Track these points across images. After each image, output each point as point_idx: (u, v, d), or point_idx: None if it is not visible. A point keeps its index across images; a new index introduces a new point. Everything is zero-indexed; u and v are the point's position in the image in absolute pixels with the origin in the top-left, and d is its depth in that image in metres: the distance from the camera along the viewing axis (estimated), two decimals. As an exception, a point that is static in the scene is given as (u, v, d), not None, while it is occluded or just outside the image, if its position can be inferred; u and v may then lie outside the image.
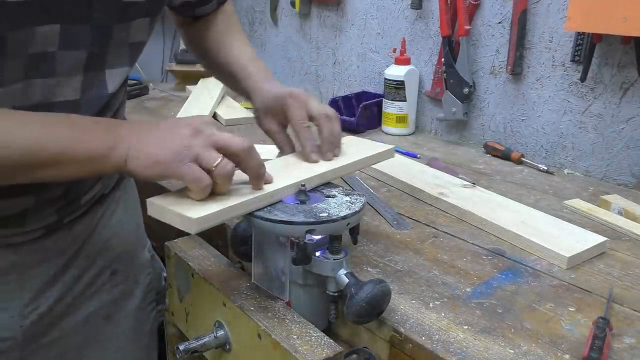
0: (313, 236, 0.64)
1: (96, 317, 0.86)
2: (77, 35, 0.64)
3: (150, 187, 1.15)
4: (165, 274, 0.95)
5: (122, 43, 0.70)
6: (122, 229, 0.88)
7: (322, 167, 0.75)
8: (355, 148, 0.83)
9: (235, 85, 0.90)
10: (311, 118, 0.78)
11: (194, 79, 1.85)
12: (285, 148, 0.82)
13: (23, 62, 0.61)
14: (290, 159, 0.79)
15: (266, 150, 1.22)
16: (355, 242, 0.72)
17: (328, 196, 0.70)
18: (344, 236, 0.67)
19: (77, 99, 0.68)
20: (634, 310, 0.69)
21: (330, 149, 0.78)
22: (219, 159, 0.60)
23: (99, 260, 0.84)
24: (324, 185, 0.74)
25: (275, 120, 0.82)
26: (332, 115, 0.78)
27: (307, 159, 0.77)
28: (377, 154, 0.83)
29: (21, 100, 0.63)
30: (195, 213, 0.59)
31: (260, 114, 0.83)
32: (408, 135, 1.44)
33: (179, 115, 1.51)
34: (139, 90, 1.82)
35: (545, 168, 1.17)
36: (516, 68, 1.22)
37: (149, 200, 0.62)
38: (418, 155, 1.26)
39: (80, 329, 0.84)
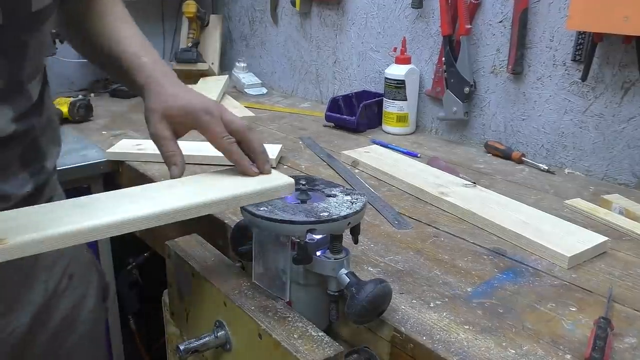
0: (314, 235, 0.64)
1: (61, 327, 0.83)
2: None
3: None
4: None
5: (38, 53, 0.65)
6: None
7: (205, 196, 0.63)
8: (247, 179, 0.70)
9: (123, 75, 0.78)
10: (230, 132, 0.70)
11: (194, 78, 1.85)
12: (175, 159, 0.71)
13: None
14: (188, 180, 0.69)
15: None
16: (356, 241, 0.72)
17: (329, 195, 0.70)
18: (345, 236, 0.67)
19: (14, 131, 0.65)
20: (635, 310, 0.69)
21: (266, 160, 0.71)
22: None
23: (57, 268, 0.81)
24: (324, 185, 0.74)
25: (170, 127, 0.72)
26: (251, 127, 0.72)
27: (246, 173, 0.69)
28: (272, 188, 0.67)
29: None
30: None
31: (154, 116, 0.72)
32: (408, 134, 1.44)
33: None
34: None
35: (546, 167, 1.17)
36: (517, 67, 1.22)
37: None
38: (419, 155, 1.25)
39: (51, 343, 0.81)
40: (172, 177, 0.70)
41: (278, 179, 0.69)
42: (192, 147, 1.24)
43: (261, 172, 0.70)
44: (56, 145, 0.79)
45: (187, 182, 0.68)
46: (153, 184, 0.68)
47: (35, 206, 0.58)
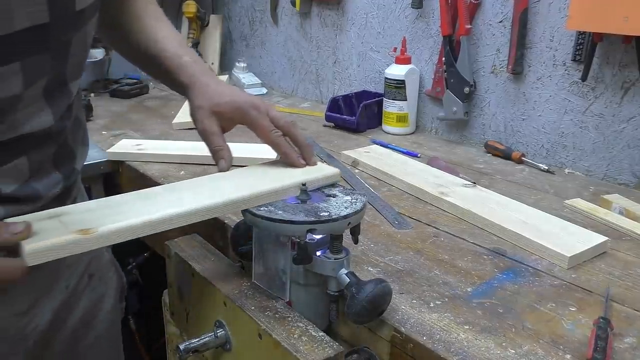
0: (314, 235, 0.64)
1: (79, 326, 0.83)
2: (39, 67, 0.59)
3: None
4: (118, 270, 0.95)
5: (81, 52, 0.67)
6: None
7: (255, 188, 0.66)
8: (295, 171, 0.73)
9: (163, 75, 0.80)
10: (276, 127, 0.73)
11: (194, 78, 1.84)
12: (223, 154, 0.73)
13: None
14: (235, 173, 0.72)
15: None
16: (356, 241, 0.72)
17: (329, 195, 0.70)
18: (345, 236, 0.67)
19: (49, 127, 0.66)
20: (635, 310, 0.69)
21: (312, 153, 0.74)
22: None
23: (79, 267, 0.82)
24: (324, 185, 0.74)
25: (218, 123, 0.75)
26: (295, 122, 0.75)
27: (294, 164, 0.73)
28: (321, 177, 0.72)
29: None
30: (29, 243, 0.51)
31: (202, 112, 0.75)
32: (408, 134, 1.44)
33: (179, 114, 1.51)
34: (139, 89, 1.82)
35: (546, 167, 1.17)
36: (517, 67, 1.22)
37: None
38: (418, 155, 1.25)
39: (65, 343, 0.81)
40: (220, 170, 0.72)
41: (325, 169, 0.74)
42: (191, 147, 1.24)
43: (307, 164, 0.73)
44: (84, 145, 0.79)
45: (234, 176, 0.71)
46: (198, 178, 0.70)
47: (105, 198, 0.62)
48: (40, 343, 0.76)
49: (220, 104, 0.74)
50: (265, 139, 0.74)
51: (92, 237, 0.53)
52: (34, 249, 0.50)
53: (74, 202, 0.80)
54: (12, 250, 0.51)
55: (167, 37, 0.81)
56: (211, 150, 0.74)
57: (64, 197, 0.75)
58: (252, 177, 0.70)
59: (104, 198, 0.62)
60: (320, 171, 0.73)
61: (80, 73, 0.70)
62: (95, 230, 0.53)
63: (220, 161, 0.73)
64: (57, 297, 0.78)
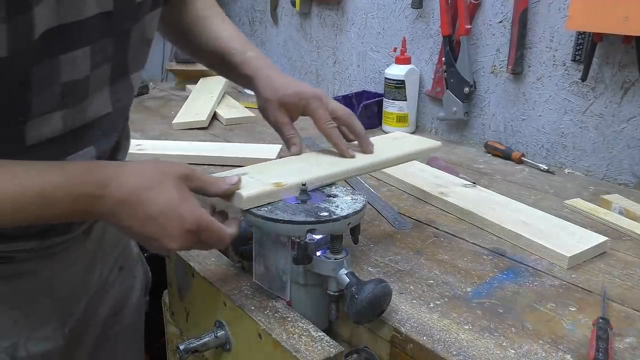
0: (314, 236, 0.64)
1: (108, 316, 0.87)
2: (104, 51, 0.64)
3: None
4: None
5: (139, 43, 0.70)
6: None
7: (382, 156, 0.81)
8: (400, 142, 0.88)
9: (228, 68, 0.87)
10: (335, 118, 0.80)
11: (194, 78, 1.85)
12: (295, 140, 0.81)
13: (55, 93, 0.60)
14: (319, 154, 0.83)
15: (268, 149, 1.22)
16: (356, 241, 0.72)
17: (329, 196, 0.70)
18: (345, 236, 0.67)
19: (109, 112, 0.69)
20: (635, 310, 0.69)
21: (369, 143, 0.81)
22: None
23: (111, 258, 0.85)
24: (324, 185, 0.74)
25: (287, 113, 0.81)
26: (353, 114, 0.83)
27: (343, 154, 0.79)
28: (421, 150, 0.86)
29: (55, 129, 0.62)
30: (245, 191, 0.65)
31: (270, 104, 0.81)
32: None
33: (179, 114, 1.51)
34: (139, 89, 1.82)
35: (546, 167, 1.17)
36: (517, 67, 1.22)
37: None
38: (418, 155, 1.25)
39: (97, 329, 0.84)
40: (292, 154, 0.80)
41: (427, 141, 0.90)
42: (191, 147, 1.24)
43: (364, 152, 0.81)
44: (128, 139, 0.82)
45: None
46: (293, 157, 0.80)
47: (259, 164, 0.75)
48: (77, 329, 0.79)
49: (286, 96, 0.80)
50: (320, 127, 0.80)
51: (283, 188, 0.67)
52: (250, 195, 0.64)
53: None
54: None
55: (232, 35, 0.88)
56: (284, 138, 0.82)
57: None
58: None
59: (259, 164, 0.75)
60: (425, 144, 0.88)
61: (140, 66, 0.74)
62: (286, 183, 0.67)
63: (292, 147, 0.80)
64: (92, 286, 0.81)
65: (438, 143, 0.89)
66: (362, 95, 1.55)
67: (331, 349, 0.58)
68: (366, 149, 0.81)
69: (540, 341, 0.62)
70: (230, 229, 0.63)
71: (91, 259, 0.80)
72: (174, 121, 1.46)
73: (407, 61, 1.40)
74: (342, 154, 0.79)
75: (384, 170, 1.11)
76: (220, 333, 0.68)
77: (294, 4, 1.76)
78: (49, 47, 0.56)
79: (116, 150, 0.76)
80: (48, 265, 0.73)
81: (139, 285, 0.94)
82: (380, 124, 1.47)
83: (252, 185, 0.66)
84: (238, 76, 0.86)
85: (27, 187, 0.54)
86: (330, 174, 0.73)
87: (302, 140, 0.82)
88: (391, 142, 0.88)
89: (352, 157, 0.79)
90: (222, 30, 0.89)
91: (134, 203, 0.57)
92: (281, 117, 0.81)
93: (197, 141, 1.31)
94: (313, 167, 0.74)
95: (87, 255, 0.80)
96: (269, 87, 0.82)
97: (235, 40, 0.87)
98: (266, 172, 0.71)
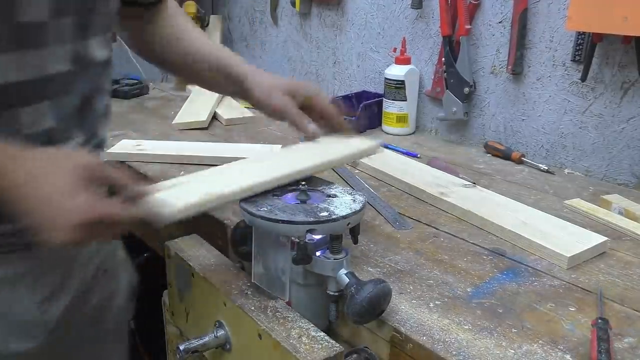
0: (313, 236, 0.64)
1: (88, 320, 0.85)
2: (66, 1, 0.63)
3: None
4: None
5: (104, 11, 0.70)
6: None
7: (311, 161, 0.75)
8: (341, 144, 0.83)
9: (216, 73, 0.88)
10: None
11: (194, 78, 1.84)
12: (303, 121, 0.81)
13: (10, 30, 0.59)
14: (297, 147, 0.83)
15: (269, 149, 1.22)
16: (355, 241, 0.72)
17: (329, 195, 0.70)
18: (345, 236, 0.67)
19: (67, 70, 0.68)
20: (635, 310, 0.69)
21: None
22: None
23: (95, 261, 0.85)
24: (324, 185, 0.74)
25: (292, 100, 0.81)
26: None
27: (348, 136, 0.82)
28: (362, 150, 0.83)
29: (16, 75, 0.62)
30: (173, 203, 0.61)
31: (272, 92, 0.82)
32: (408, 134, 1.44)
33: (179, 114, 1.51)
34: (139, 89, 1.82)
35: (546, 168, 1.17)
36: (517, 68, 1.22)
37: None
38: (418, 155, 1.25)
39: (79, 332, 0.84)
40: (310, 133, 0.81)
41: (366, 143, 0.84)
42: (191, 147, 1.24)
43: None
44: (109, 118, 0.82)
45: (283, 154, 0.83)
46: (247, 159, 0.81)
47: (198, 173, 0.73)
48: (58, 331, 0.79)
49: (285, 84, 0.83)
50: (327, 111, 0.83)
51: (217, 197, 0.64)
52: (184, 205, 0.61)
53: None
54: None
55: (216, 45, 0.93)
56: (296, 120, 0.81)
57: None
58: (304, 154, 0.79)
59: (197, 173, 0.74)
60: (361, 145, 0.83)
61: (104, 31, 0.73)
62: (217, 193, 0.65)
63: (309, 125, 0.81)
64: (74, 287, 0.81)
65: (379, 142, 0.86)
66: (362, 95, 1.55)
67: (331, 349, 0.58)
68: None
69: (540, 341, 0.62)
70: (131, 212, 0.57)
71: (72, 260, 0.80)
72: (174, 121, 1.46)
73: (407, 61, 1.40)
74: (348, 135, 0.83)
75: (383, 170, 1.11)
76: (220, 333, 0.69)
77: (294, 4, 1.76)
78: None
79: (86, 120, 0.75)
80: (30, 265, 0.73)
81: (123, 290, 0.93)
82: (380, 124, 1.47)
83: (186, 195, 0.63)
84: (227, 78, 0.87)
85: None
86: (269, 179, 0.70)
87: (308, 121, 0.82)
88: (330, 144, 0.84)
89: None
90: (204, 40, 0.91)
91: (25, 189, 0.55)
92: (283, 100, 0.81)
93: (197, 141, 1.31)
94: (250, 173, 0.72)
95: (68, 257, 0.79)
96: (266, 79, 0.83)
97: (220, 49, 0.90)
98: (200, 181, 0.70)
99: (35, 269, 0.74)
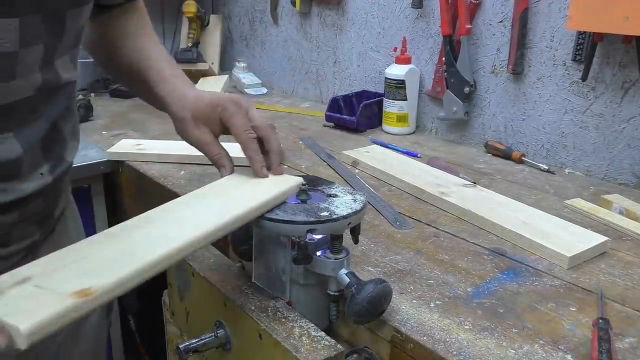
0: (314, 235, 0.64)
1: (66, 340, 0.82)
2: (35, 29, 0.59)
3: (131, 189, 1.15)
4: None
5: (72, 31, 0.65)
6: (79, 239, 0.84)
7: (233, 210, 0.60)
8: (259, 183, 0.69)
9: (146, 90, 0.80)
10: (253, 128, 0.70)
11: (194, 78, 1.84)
12: (223, 161, 0.71)
13: None
14: (199, 192, 0.66)
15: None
16: (356, 241, 0.72)
17: (329, 195, 0.69)
18: (345, 236, 0.67)
19: (31, 96, 0.63)
20: (635, 310, 0.69)
21: (279, 163, 0.71)
22: None
23: None
24: (324, 185, 0.74)
25: (208, 130, 0.72)
26: (273, 126, 0.73)
27: (257, 173, 0.69)
28: (285, 191, 0.67)
29: None
30: (23, 319, 0.39)
31: (186, 123, 0.73)
32: (409, 134, 1.44)
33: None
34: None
35: (546, 167, 1.17)
36: (517, 67, 1.22)
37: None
38: (419, 155, 1.25)
39: (52, 354, 0.80)
40: (222, 176, 0.71)
41: (290, 180, 0.69)
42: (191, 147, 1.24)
43: (273, 173, 0.70)
44: (76, 139, 0.77)
45: (206, 195, 0.66)
46: (166, 204, 0.62)
47: (70, 247, 0.51)
48: (29, 354, 0.75)
49: (199, 108, 0.72)
50: (238, 137, 0.70)
51: (94, 297, 0.43)
52: (35, 325, 0.39)
53: (61, 213, 0.79)
54: None
55: (156, 56, 0.81)
56: (211, 159, 0.73)
57: (50, 195, 0.72)
58: (225, 198, 0.65)
59: (69, 247, 0.51)
60: (286, 183, 0.68)
61: (73, 60, 0.69)
62: (96, 289, 0.43)
63: (222, 169, 0.72)
64: None
65: (299, 179, 0.70)
66: (362, 95, 1.55)
67: (331, 349, 0.58)
68: (275, 168, 0.70)
69: (541, 341, 0.62)
70: None
71: None
72: (174, 121, 1.46)
73: (407, 61, 1.40)
74: (255, 173, 0.69)
75: (384, 170, 1.11)
76: (220, 333, 0.68)
77: (294, 4, 1.76)
78: None
79: (53, 147, 0.70)
80: None
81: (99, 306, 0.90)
82: (380, 124, 1.47)
83: (39, 302, 0.41)
84: (155, 97, 0.79)
85: None
86: (166, 252, 0.50)
87: (231, 160, 0.72)
88: (246, 183, 0.69)
89: (266, 176, 0.69)
90: (151, 51, 0.81)
91: None
92: (201, 135, 0.72)
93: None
94: (137, 244, 0.52)
95: None
96: (181, 106, 0.74)
97: (159, 60, 0.80)
98: (62, 268, 0.46)
99: None
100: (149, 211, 0.59)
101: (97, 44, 0.85)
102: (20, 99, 0.62)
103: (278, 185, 0.67)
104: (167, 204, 0.62)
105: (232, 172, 0.71)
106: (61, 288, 0.43)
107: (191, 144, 0.74)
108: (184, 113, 0.73)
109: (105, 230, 0.55)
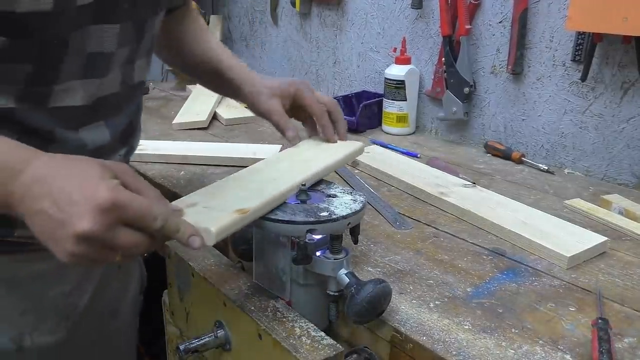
0: (314, 236, 0.64)
1: (106, 313, 0.88)
2: (128, 34, 0.70)
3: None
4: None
5: (149, 36, 0.75)
6: None
7: (317, 164, 0.76)
8: (329, 148, 0.85)
9: (216, 77, 0.92)
10: (320, 104, 0.85)
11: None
12: (289, 125, 0.84)
13: (81, 61, 0.65)
14: (283, 155, 0.82)
15: (267, 150, 1.22)
16: (355, 241, 0.72)
17: (329, 195, 0.70)
18: (345, 236, 0.67)
19: (117, 92, 0.73)
20: (635, 310, 0.69)
21: (346, 129, 0.87)
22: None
23: None
24: (324, 185, 0.74)
25: (280, 102, 0.85)
26: (337, 102, 0.88)
27: (329, 138, 0.85)
28: (352, 152, 0.85)
29: (72, 100, 0.67)
30: (212, 224, 0.56)
31: (261, 94, 0.85)
32: (408, 134, 1.44)
33: (179, 114, 1.51)
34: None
35: (546, 168, 1.17)
36: (517, 67, 1.22)
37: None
38: (418, 155, 1.25)
39: (96, 325, 0.86)
40: (288, 139, 0.84)
41: (354, 145, 0.86)
42: (191, 147, 1.24)
43: (340, 138, 0.86)
44: (140, 129, 0.88)
45: (284, 158, 0.80)
46: (258, 164, 0.78)
47: (212, 185, 0.69)
48: (78, 324, 0.82)
49: (275, 85, 0.86)
50: (313, 111, 0.84)
51: (248, 215, 0.60)
52: (219, 228, 0.56)
53: None
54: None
55: (221, 47, 0.96)
56: (280, 124, 0.84)
57: None
58: (304, 156, 0.80)
59: (205, 188, 0.68)
60: (351, 146, 0.85)
61: (144, 55, 0.78)
62: (249, 210, 0.60)
63: (288, 130, 0.84)
64: (96, 280, 0.84)
65: (360, 144, 0.87)
66: (362, 95, 1.55)
67: (331, 349, 0.58)
68: (342, 134, 0.86)
69: (540, 341, 0.62)
70: (157, 204, 0.53)
71: None
72: (174, 121, 1.46)
73: (407, 61, 1.40)
74: (327, 139, 0.85)
75: (383, 170, 1.11)
76: (220, 333, 0.68)
77: (294, 4, 1.76)
78: (87, 17, 0.63)
79: (129, 136, 0.80)
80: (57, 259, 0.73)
81: (135, 284, 0.96)
82: (380, 124, 1.47)
83: (213, 216, 0.58)
84: (225, 81, 0.91)
85: None
86: (289, 187, 0.67)
87: (296, 128, 0.84)
88: (318, 147, 0.85)
89: (335, 142, 0.85)
90: (212, 42, 0.96)
91: (51, 178, 0.51)
92: (275, 105, 0.85)
93: (197, 141, 1.31)
94: (265, 184, 0.68)
95: None
96: (252, 83, 0.87)
97: (224, 52, 0.94)
98: (219, 196, 0.64)
99: (63, 263, 0.75)
100: (254, 164, 0.77)
101: (161, 44, 0.95)
102: (110, 93, 0.72)
103: (345, 147, 0.85)
104: (258, 163, 0.78)
105: (296, 136, 0.84)
106: (225, 208, 0.60)
107: (260, 113, 0.87)
108: (258, 87, 0.86)
109: (225, 179, 0.72)
